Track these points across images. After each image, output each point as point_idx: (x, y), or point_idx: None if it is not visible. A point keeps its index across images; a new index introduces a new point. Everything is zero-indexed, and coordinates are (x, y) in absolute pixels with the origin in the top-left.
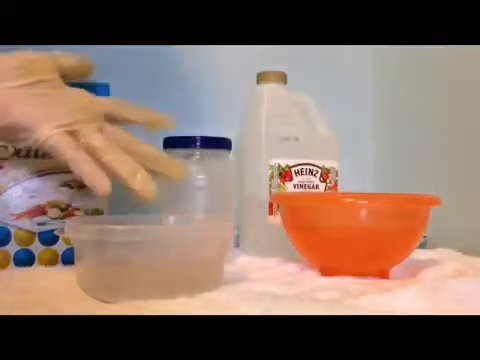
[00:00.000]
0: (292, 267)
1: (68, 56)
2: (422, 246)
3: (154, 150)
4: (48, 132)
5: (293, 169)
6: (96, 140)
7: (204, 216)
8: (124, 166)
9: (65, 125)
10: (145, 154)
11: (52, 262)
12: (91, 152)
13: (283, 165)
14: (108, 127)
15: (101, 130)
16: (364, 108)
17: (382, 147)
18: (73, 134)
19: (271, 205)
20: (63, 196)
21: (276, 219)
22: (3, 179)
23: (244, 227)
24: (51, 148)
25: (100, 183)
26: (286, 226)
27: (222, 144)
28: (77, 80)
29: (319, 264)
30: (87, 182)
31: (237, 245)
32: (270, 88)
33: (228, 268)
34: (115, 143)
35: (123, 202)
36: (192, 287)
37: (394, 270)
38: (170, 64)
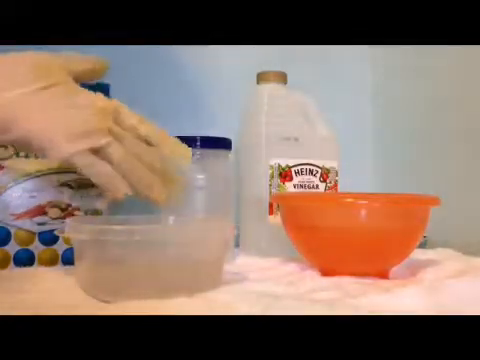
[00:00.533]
0: (292, 267)
1: (82, 59)
2: (422, 246)
3: (164, 167)
4: (68, 151)
5: (293, 169)
6: (116, 154)
7: (204, 216)
8: (141, 180)
9: (84, 142)
10: (155, 169)
11: (52, 262)
12: (109, 160)
13: (283, 165)
14: (128, 138)
15: (119, 139)
16: (364, 108)
17: (382, 147)
18: (93, 149)
19: (271, 205)
20: (63, 196)
21: (276, 219)
22: (3, 179)
23: (244, 227)
24: (73, 165)
25: (123, 192)
26: (286, 226)
27: (222, 144)
28: (88, 82)
29: (319, 264)
30: (110, 195)
31: (237, 245)
32: (270, 88)
33: (228, 268)
34: (133, 154)
35: (123, 203)
36: (192, 287)
37: (394, 270)
38: (170, 64)
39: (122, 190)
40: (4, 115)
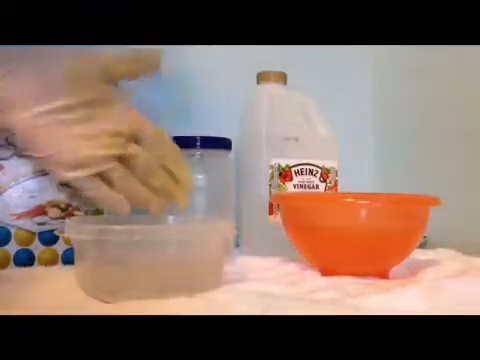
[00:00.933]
0: (292, 267)
1: (127, 59)
2: (422, 246)
3: (169, 185)
4: (69, 176)
5: (293, 169)
6: (117, 177)
7: (204, 216)
8: (139, 197)
9: (86, 170)
10: (158, 188)
11: (52, 262)
12: (109, 181)
13: (283, 165)
14: (138, 157)
15: (128, 158)
16: (364, 108)
17: (382, 147)
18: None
19: (271, 205)
20: (63, 196)
21: (276, 219)
22: (3, 179)
23: (244, 227)
24: (73, 185)
25: (122, 211)
26: (286, 226)
27: (222, 144)
28: (135, 79)
29: (319, 264)
30: (107, 209)
31: (237, 245)
32: (270, 88)
33: (228, 268)
34: (137, 172)
35: None
36: (192, 287)
37: (394, 270)
38: (170, 64)
39: (120, 209)
40: (25, 136)
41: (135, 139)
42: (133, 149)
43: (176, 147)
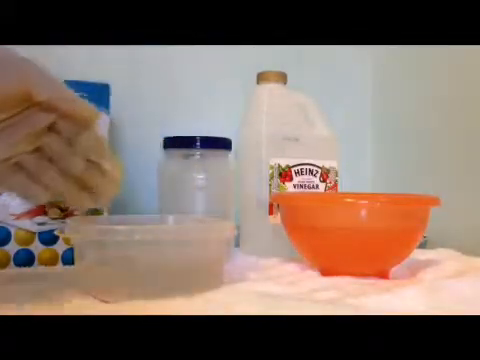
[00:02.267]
0: (292, 267)
1: (71, 105)
2: (422, 246)
3: (89, 174)
4: None
5: (293, 169)
6: (28, 162)
7: (204, 216)
8: (56, 188)
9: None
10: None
11: (52, 262)
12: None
13: (283, 165)
14: (47, 146)
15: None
16: (364, 108)
17: (382, 147)
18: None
19: (271, 205)
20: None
21: (276, 219)
22: None
23: (244, 227)
24: None
25: (38, 201)
26: (286, 226)
27: (222, 144)
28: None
29: (319, 264)
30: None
31: (237, 245)
32: (270, 88)
33: (228, 268)
34: (49, 159)
35: (123, 203)
36: (192, 287)
37: (394, 270)
38: (170, 64)
39: (36, 200)
40: None
41: (55, 130)
42: (46, 138)
43: (103, 140)
